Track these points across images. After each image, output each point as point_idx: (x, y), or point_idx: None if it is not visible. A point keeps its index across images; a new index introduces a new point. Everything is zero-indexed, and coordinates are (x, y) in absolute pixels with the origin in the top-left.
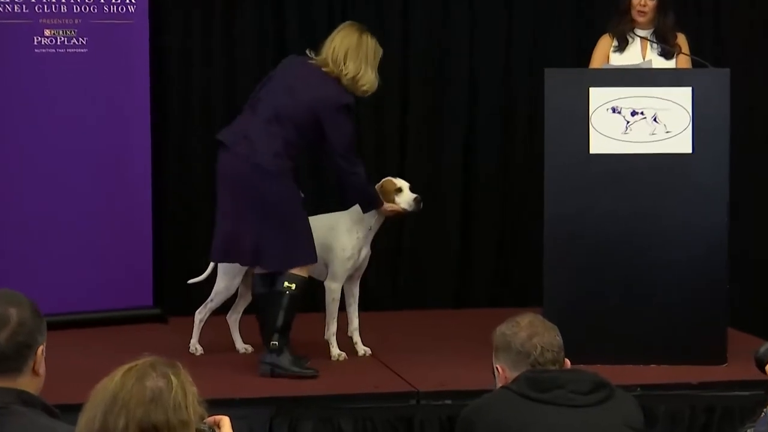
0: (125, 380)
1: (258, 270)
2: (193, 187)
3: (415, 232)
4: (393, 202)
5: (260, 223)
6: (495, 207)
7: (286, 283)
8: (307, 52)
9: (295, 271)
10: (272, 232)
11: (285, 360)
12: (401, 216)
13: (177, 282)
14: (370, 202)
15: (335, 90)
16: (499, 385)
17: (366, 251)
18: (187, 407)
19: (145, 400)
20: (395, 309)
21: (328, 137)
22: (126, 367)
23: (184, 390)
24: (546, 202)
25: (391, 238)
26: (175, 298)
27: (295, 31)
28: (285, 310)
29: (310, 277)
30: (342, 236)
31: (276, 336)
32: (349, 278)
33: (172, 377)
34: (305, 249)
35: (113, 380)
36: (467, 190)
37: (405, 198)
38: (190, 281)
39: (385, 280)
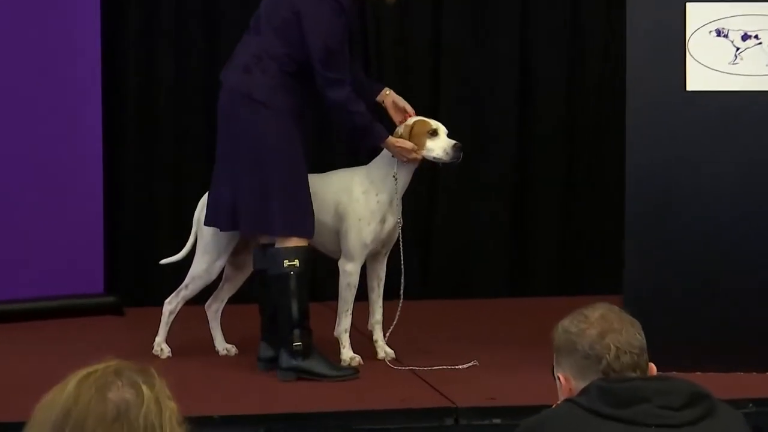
0: (81, 391)
1: (264, 240)
2: (153, 164)
3: (452, 198)
4: (423, 148)
5: (232, 167)
6: (555, 168)
7: (286, 262)
8: None
9: (293, 242)
10: (251, 180)
11: (318, 364)
12: (432, 166)
13: (136, 267)
14: (365, 135)
15: None
16: (562, 398)
17: (393, 220)
18: (162, 427)
19: (107, 419)
20: (426, 298)
21: (305, 39)
22: (82, 373)
23: (159, 405)
24: (628, 156)
25: (420, 206)
26: (133, 285)
27: None
28: (296, 295)
29: (314, 249)
30: (358, 200)
31: (297, 333)
32: (372, 257)
33: (144, 388)
34: (306, 215)
35: (64, 391)
36: (521, 148)
37: (440, 144)
38: (164, 261)
39: (413, 262)
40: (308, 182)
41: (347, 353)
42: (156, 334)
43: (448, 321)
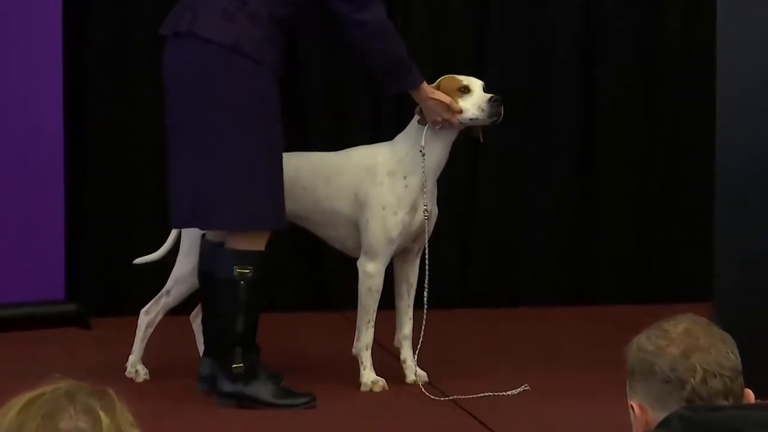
0: (25, 420)
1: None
2: (124, 153)
3: (497, 186)
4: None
5: (199, 145)
6: (627, 152)
7: (237, 269)
8: None
9: (245, 243)
10: (203, 162)
11: (263, 389)
12: (470, 134)
13: (105, 268)
14: (401, 73)
15: None
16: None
17: (426, 208)
18: None
19: None
20: (465, 306)
21: None
22: (26, 398)
23: None
24: (718, 134)
25: (457, 194)
26: (102, 290)
27: None
28: (244, 308)
29: (322, 244)
30: (382, 184)
31: (238, 353)
32: (401, 255)
33: (101, 415)
34: (266, 202)
35: (5, 419)
36: (584, 125)
37: (474, 101)
38: (139, 261)
39: (450, 263)
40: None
41: (368, 375)
42: (129, 351)
43: (492, 335)
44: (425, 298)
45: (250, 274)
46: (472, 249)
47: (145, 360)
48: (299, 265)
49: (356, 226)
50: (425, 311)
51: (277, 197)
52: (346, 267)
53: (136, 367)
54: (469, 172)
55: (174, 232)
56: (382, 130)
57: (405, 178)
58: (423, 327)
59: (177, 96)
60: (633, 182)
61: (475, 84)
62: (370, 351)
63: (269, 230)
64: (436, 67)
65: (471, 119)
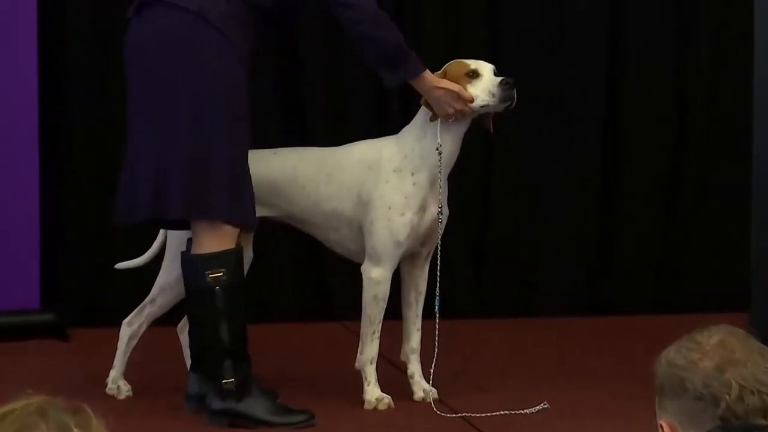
0: None
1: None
2: (104, 153)
3: (513, 185)
4: None
5: (158, 124)
6: (655, 150)
7: (209, 275)
8: None
9: (211, 243)
10: (192, 142)
11: (258, 405)
12: (480, 124)
13: (84, 275)
14: (397, 62)
15: None
16: None
17: (436, 208)
18: None
19: None
20: (479, 316)
21: None
22: None
23: None
24: (755, 135)
25: (470, 194)
26: (81, 299)
27: None
28: (226, 315)
29: (322, 249)
30: (387, 181)
31: (227, 366)
32: (409, 260)
33: None
34: (222, 189)
35: None
36: (610, 119)
37: (484, 85)
38: (120, 265)
39: (462, 268)
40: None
41: (373, 392)
42: (110, 365)
43: (507, 347)
44: (437, 307)
45: (224, 277)
46: (485, 253)
47: (128, 375)
48: (297, 271)
49: (359, 228)
50: (437, 321)
51: (239, 186)
52: (348, 273)
53: (117, 383)
54: (481, 168)
55: (161, 235)
56: (387, 128)
57: (413, 175)
58: (436, 339)
59: (138, 72)
60: (661, 182)
61: (485, 67)
62: (374, 365)
63: (227, 221)
64: (444, 56)
65: (482, 106)
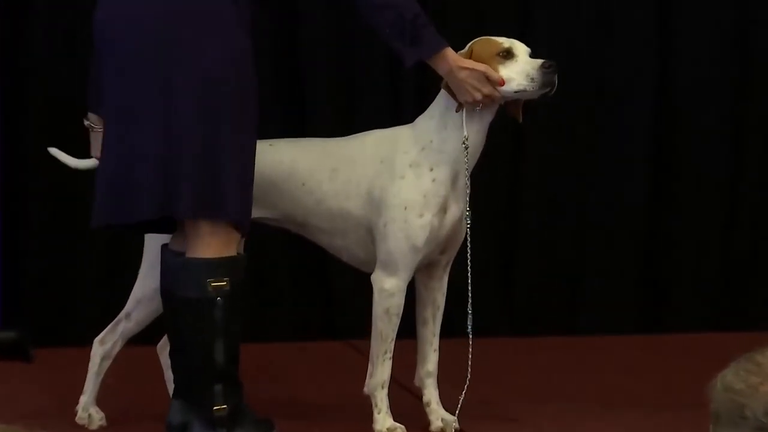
0: None
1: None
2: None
3: (548, 186)
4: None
5: (149, 117)
6: (715, 157)
7: (211, 283)
8: None
9: (215, 248)
10: (200, 136)
11: None
12: (506, 112)
13: (50, 290)
14: (416, 38)
15: None
16: None
17: (458, 209)
18: None
19: None
20: (508, 334)
21: None
22: None
23: None
24: None
25: (500, 195)
26: (47, 316)
27: None
28: (223, 333)
29: (326, 256)
30: (403, 178)
31: (218, 391)
32: (427, 269)
33: None
34: (234, 188)
35: None
36: (659, 119)
37: (521, 67)
38: (54, 151)
39: (489, 280)
40: None
41: (384, 421)
42: (81, 390)
43: (541, 370)
44: (469, 326)
45: (227, 287)
46: (517, 264)
47: (100, 401)
48: (298, 283)
49: (370, 232)
50: (470, 341)
51: (246, 188)
52: (356, 284)
53: (89, 411)
54: (510, 164)
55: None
56: (400, 116)
57: (431, 170)
58: (469, 364)
59: (124, 54)
60: (716, 188)
61: (519, 47)
62: (386, 390)
63: (236, 222)
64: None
65: (517, 91)
